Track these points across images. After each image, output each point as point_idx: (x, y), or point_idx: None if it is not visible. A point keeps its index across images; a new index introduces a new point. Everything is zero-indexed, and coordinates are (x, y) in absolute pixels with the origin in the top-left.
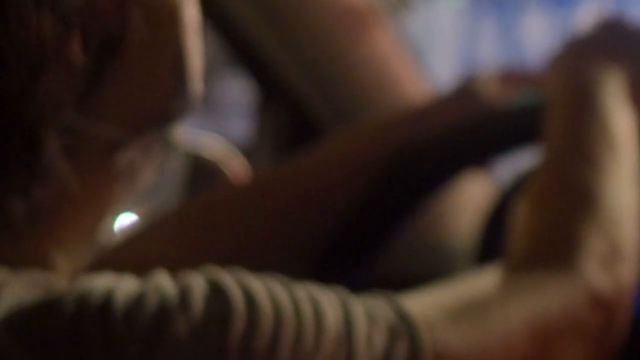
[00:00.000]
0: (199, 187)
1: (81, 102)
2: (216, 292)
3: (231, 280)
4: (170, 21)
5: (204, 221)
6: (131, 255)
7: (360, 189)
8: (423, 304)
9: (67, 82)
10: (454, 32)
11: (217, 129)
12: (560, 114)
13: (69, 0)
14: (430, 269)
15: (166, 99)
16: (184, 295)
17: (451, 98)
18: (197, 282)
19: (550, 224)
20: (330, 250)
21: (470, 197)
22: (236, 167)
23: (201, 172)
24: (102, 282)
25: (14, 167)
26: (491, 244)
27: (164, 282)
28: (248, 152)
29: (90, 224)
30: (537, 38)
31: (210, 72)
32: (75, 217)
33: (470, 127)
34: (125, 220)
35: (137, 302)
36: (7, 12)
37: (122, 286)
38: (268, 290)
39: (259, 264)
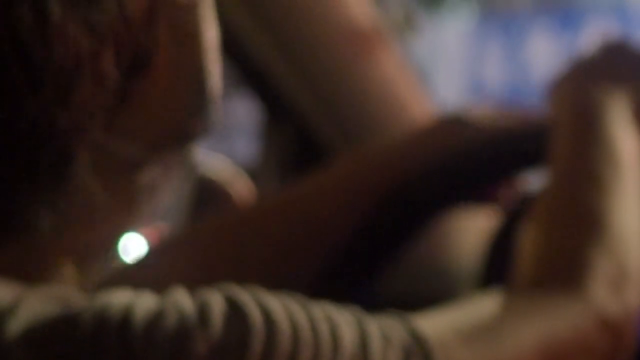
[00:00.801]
0: (204, 208)
1: (109, 119)
2: (235, 310)
3: (249, 298)
4: (193, 40)
5: (209, 245)
6: (137, 276)
7: (364, 213)
8: (435, 324)
9: (99, 98)
10: (460, 54)
11: (223, 150)
12: (565, 137)
13: (102, 14)
14: (434, 291)
15: (187, 118)
16: (203, 313)
17: (453, 122)
18: (216, 300)
19: (558, 246)
20: (333, 273)
21: (474, 220)
22: (242, 188)
23: (207, 193)
24: (121, 298)
25: (45, 181)
26: (496, 267)
27: (182, 299)
28: (254, 173)
29: (107, 240)
30: (542, 60)
31: None
32: (93, 233)
33: (474, 151)
34: (130, 240)
35: (157, 319)
36: (48, 28)
37: (141, 302)
38: (285, 309)
39: (262, 287)
